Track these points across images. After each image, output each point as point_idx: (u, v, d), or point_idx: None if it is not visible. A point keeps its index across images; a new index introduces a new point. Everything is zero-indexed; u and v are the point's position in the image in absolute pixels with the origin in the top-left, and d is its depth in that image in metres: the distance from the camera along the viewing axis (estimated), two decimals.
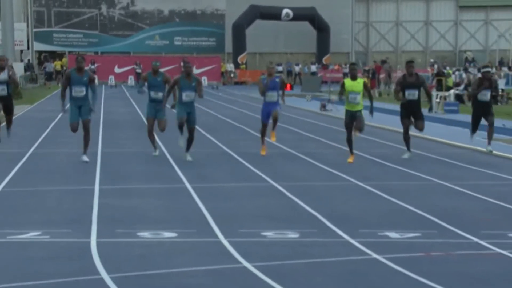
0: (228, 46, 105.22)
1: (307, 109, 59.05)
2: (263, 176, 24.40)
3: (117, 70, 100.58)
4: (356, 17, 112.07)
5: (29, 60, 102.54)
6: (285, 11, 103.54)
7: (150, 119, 31.48)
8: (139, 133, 37.43)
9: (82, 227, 16.97)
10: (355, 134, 30.08)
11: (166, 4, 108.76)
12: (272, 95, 31.62)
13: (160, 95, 30.96)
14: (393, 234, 17.43)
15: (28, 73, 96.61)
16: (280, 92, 32.69)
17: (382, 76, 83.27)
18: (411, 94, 30.40)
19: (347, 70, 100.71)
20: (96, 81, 46.14)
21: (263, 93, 32.04)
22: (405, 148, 31.77)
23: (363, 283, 13.75)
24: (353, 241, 16.74)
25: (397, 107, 32.51)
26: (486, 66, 32.25)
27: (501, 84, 69.91)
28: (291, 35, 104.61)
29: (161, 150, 30.55)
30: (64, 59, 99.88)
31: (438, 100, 56.68)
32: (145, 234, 17.15)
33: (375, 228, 18.01)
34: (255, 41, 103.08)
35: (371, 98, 30.58)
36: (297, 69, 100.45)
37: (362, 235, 17.16)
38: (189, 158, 29.37)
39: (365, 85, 30.35)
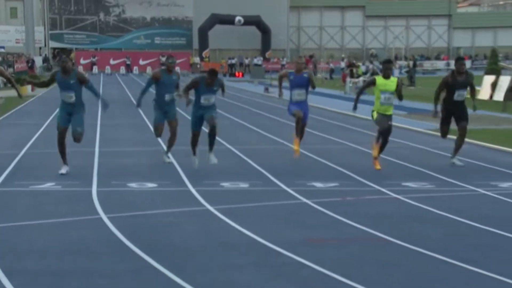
0: (195, 44, 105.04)
1: (254, 91, 58.85)
2: (222, 141, 24.24)
3: (112, 62, 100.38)
4: (290, 23, 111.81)
5: (46, 54, 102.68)
6: (237, 18, 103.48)
7: (159, 124, 20.50)
8: (129, 109, 37.18)
9: (86, 179, 17.02)
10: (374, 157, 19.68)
11: (148, 13, 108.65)
12: (300, 93, 20.90)
13: (171, 95, 20.01)
14: (318, 184, 17.44)
15: (45, 64, 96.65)
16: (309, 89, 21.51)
17: (310, 67, 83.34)
18: (461, 95, 20.22)
19: (284, 62, 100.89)
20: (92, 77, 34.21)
21: (281, 83, 22.26)
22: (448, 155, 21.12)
23: (296, 220, 13.78)
24: (288, 189, 16.74)
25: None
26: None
27: (396, 73, 70.66)
28: (242, 36, 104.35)
29: (144, 122, 29.66)
30: (72, 54, 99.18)
31: (350, 84, 57.05)
32: (133, 185, 17.17)
33: (305, 179, 17.99)
34: (215, 40, 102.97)
35: (400, 98, 19.96)
36: (246, 61, 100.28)
37: (295, 185, 17.17)
38: (214, 160, 19.08)
39: (398, 84, 19.58)
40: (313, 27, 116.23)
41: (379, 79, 19.77)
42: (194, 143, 19.50)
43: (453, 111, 20.70)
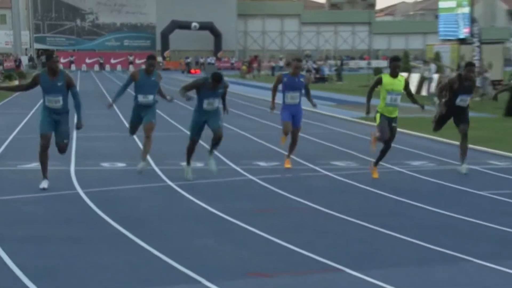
0: (158, 46, 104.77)
1: None
2: (181, 128, 24.16)
3: (87, 61, 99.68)
4: (238, 28, 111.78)
5: (31, 54, 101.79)
6: (193, 24, 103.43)
7: (134, 123, 16.59)
8: (102, 100, 36.82)
9: (65, 160, 16.69)
10: (372, 148, 16.30)
11: (118, 19, 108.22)
12: (294, 96, 16.95)
13: (151, 98, 15.99)
14: (262, 163, 17.39)
15: (30, 63, 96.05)
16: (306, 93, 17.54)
17: (255, 65, 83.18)
18: (463, 101, 16.63)
19: (233, 61, 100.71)
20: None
21: (274, 94, 17.54)
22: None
23: (245, 194, 13.76)
24: (237, 168, 16.67)
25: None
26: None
27: (326, 70, 70.72)
28: (197, 39, 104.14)
29: (115, 111, 29.47)
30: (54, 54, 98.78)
31: None
32: (105, 164, 17.05)
33: (251, 159, 17.94)
34: (175, 42, 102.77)
35: (413, 100, 16.26)
36: (201, 60, 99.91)
37: (242, 164, 17.11)
38: (213, 167, 15.46)
39: (407, 83, 15.78)
40: (257, 31, 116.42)
41: (386, 78, 15.32)
42: (190, 151, 15.46)
43: (454, 114, 16.80)
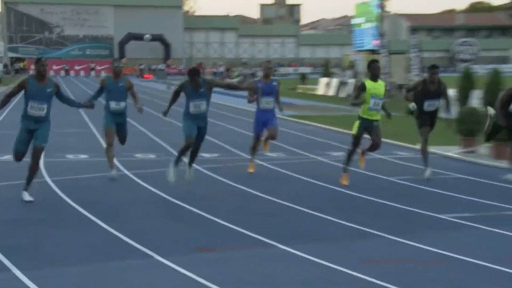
0: (116, 54, 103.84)
1: (159, 89, 58.35)
2: (136, 124, 24.01)
3: (54, 67, 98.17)
4: (184, 39, 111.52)
5: (5, 63, 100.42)
6: (146, 36, 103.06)
7: (109, 129, 14.12)
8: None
9: None
10: (364, 155, 14.37)
11: (81, 31, 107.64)
12: (268, 101, 14.96)
13: (122, 105, 14.02)
14: (206, 155, 17.28)
15: (5, 69, 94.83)
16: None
17: (200, 70, 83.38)
18: (431, 105, 14.35)
19: (181, 68, 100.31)
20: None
21: (251, 101, 15.06)
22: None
23: (193, 181, 13.60)
24: (184, 159, 16.56)
25: None
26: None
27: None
28: (150, 48, 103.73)
29: (78, 111, 29.10)
30: (25, 62, 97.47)
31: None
32: (70, 156, 16.83)
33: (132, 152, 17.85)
34: (130, 51, 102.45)
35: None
36: (153, 67, 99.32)
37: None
38: (190, 175, 13.59)
39: (386, 88, 13.67)
40: (201, 42, 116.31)
41: (369, 83, 13.13)
42: (184, 152, 13.20)
43: (427, 120, 14.53)
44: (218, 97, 43.05)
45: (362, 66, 49.92)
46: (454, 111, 17.56)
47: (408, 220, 10.57)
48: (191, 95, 12.72)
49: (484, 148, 17.63)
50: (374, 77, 13.29)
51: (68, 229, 9.68)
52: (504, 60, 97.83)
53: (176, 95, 13.09)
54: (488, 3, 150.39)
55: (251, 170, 15.03)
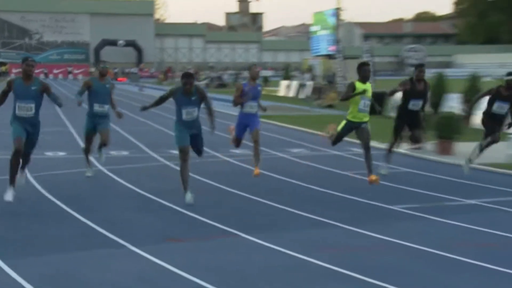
0: (91, 59, 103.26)
1: (132, 91, 58.04)
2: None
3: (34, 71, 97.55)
4: (155, 45, 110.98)
5: None
6: (120, 41, 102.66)
7: (89, 134, 13.24)
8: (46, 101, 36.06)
9: None
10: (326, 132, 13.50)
11: (59, 38, 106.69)
12: (252, 106, 13.58)
13: (106, 108, 13.06)
14: (175, 151, 17.21)
15: None
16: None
17: (169, 74, 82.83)
18: (416, 105, 13.51)
19: (152, 71, 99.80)
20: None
21: (238, 104, 13.58)
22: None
23: (162, 176, 13.57)
24: (155, 155, 16.50)
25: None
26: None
27: (226, 78, 70.94)
28: (123, 53, 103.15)
29: (56, 111, 28.82)
30: (6, 66, 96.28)
31: (199, 84, 57.74)
32: (49, 154, 16.65)
33: (166, 148, 17.77)
34: (105, 56, 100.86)
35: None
36: (127, 70, 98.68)
37: (159, 152, 16.93)
38: (190, 199, 10.90)
39: (372, 90, 12.86)
40: (171, 48, 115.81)
41: (358, 84, 12.29)
42: (184, 164, 11.15)
43: (408, 120, 13.70)
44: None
45: (319, 69, 50.30)
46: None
47: (362, 211, 10.62)
48: (183, 102, 11.02)
49: (430, 145, 17.77)
50: (364, 79, 12.48)
51: (47, 221, 9.58)
52: (447, 64, 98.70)
53: (161, 100, 11.42)
54: (433, 13, 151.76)
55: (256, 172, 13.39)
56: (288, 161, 16.32)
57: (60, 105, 11.62)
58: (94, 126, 13.07)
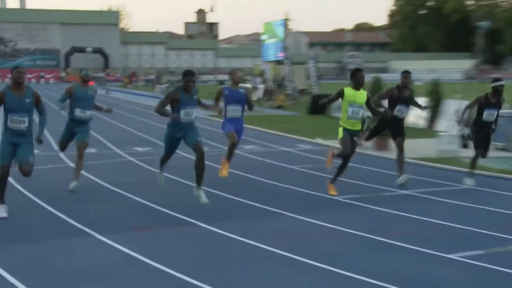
0: (62, 64, 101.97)
1: (100, 93, 57.19)
2: None
3: (8, 75, 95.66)
4: (121, 52, 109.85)
5: None
6: (88, 49, 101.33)
7: (64, 141, 11.96)
8: None
9: None
10: (328, 166, 11.70)
11: (32, 45, 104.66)
12: (236, 109, 12.36)
13: (88, 114, 11.52)
14: (139, 148, 17.06)
15: None
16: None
17: (133, 78, 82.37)
18: (401, 111, 12.25)
19: (118, 76, 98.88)
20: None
21: (220, 111, 11.98)
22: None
23: (127, 171, 13.43)
24: (121, 152, 16.33)
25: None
26: (498, 80, 11.99)
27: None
28: (91, 59, 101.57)
29: None
30: None
31: (157, 88, 57.39)
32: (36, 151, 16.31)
33: (131, 146, 17.60)
34: (74, 62, 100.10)
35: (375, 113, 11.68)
36: (94, 75, 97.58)
37: (125, 149, 16.76)
38: (204, 199, 9.88)
39: (368, 98, 11.17)
40: (135, 54, 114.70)
41: (348, 90, 10.86)
42: (164, 161, 11.16)
43: (390, 125, 12.37)
44: (138, 98, 42.65)
45: (269, 74, 50.46)
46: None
47: (308, 201, 10.65)
48: (184, 102, 9.76)
49: (368, 142, 17.90)
50: (357, 86, 10.87)
51: (18, 212, 9.40)
52: (383, 70, 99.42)
53: (163, 106, 9.90)
54: (370, 24, 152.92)
55: (224, 173, 12.47)
56: (242, 156, 16.28)
57: (43, 121, 9.99)
58: (73, 134, 11.53)
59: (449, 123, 19.82)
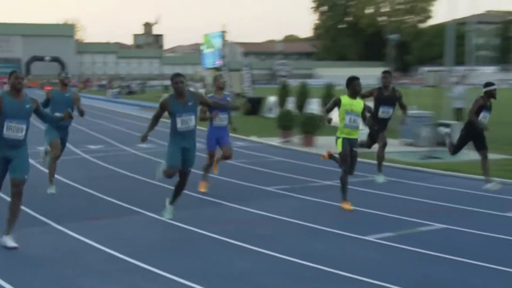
0: (23, 73, 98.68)
1: None
2: (39, 125, 22.95)
3: None
4: (77, 60, 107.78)
5: None
6: (47, 57, 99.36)
7: (55, 141, 10.27)
8: None
9: None
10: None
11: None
12: (222, 118, 10.32)
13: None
14: (92, 146, 16.73)
15: None
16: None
17: (88, 84, 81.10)
18: (386, 112, 11.36)
19: (74, 81, 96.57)
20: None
21: (203, 120, 9.99)
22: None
23: (82, 167, 13.10)
24: (76, 150, 15.94)
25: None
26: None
27: (134, 87, 69.83)
28: (49, 67, 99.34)
29: None
30: None
31: (109, 93, 56.70)
32: None
33: (85, 144, 17.25)
34: (34, 69, 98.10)
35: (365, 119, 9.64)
36: (53, 81, 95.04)
37: (80, 147, 16.37)
38: (168, 215, 8.31)
39: (365, 106, 9.59)
40: (89, 62, 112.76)
41: (345, 99, 9.52)
42: (176, 186, 8.55)
43: (381, 126, 11.32)
44: (94, 101, 41.96)
45: (209, 79, 50.60)
46: (275, 112, 17.82)
47: (244, 191, 10.62)
48: (178, 109, 8.06)
49: (296, 139, 18.02)
50: (353, 94, 9.51)
51: None
52: (309, 76, 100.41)
53: (156, 119, 8.30)
54: (297, 36, 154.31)
55: (202, 190, 10.47)
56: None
57: (54, 121, 8.34)
58: (58, 135, 10.26)
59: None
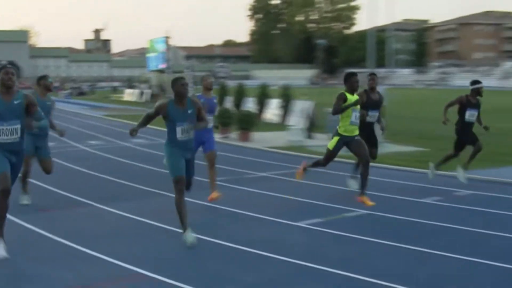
0: None
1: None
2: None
3: None
4: (31, 64, 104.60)
5: None
6: (2, 62, 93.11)
7: (29, 156, 8.17)
8: None
9: None
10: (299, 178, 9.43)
11: None
12: (209, 120, 7.74)
13: (44, 123, 6.14)
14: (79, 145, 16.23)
15: None
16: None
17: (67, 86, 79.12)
18: (372, 116, 9.40)
19: (56, 84, 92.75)
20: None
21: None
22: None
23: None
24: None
25: None
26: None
27: (85, 88, 68.47)
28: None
29: None
30: None
31: (63, 93, 55.49)
32: None
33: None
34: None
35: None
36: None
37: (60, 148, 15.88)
38: (192, 240, 6.33)
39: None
40: (42, 66, 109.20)
41: (348, 96, 8.46)
42: (181, 199, 6.48)
43: (365, 133, 9.18)
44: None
45: (154, 81, 50.23)
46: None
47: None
48: (177, 117, 6.54)
49: (234, 134, 18.02)
50: (352, 91, 8.55)
51: None
52: (246, 77, 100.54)
53: (148, 119, 6.75)
54: (235, 41, 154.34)
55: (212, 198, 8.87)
56: (130, 148, 15.91)
57: (42, 127, 6.36)
58: (35, 148, 8.47)
59: (296, 119, 20.31)
